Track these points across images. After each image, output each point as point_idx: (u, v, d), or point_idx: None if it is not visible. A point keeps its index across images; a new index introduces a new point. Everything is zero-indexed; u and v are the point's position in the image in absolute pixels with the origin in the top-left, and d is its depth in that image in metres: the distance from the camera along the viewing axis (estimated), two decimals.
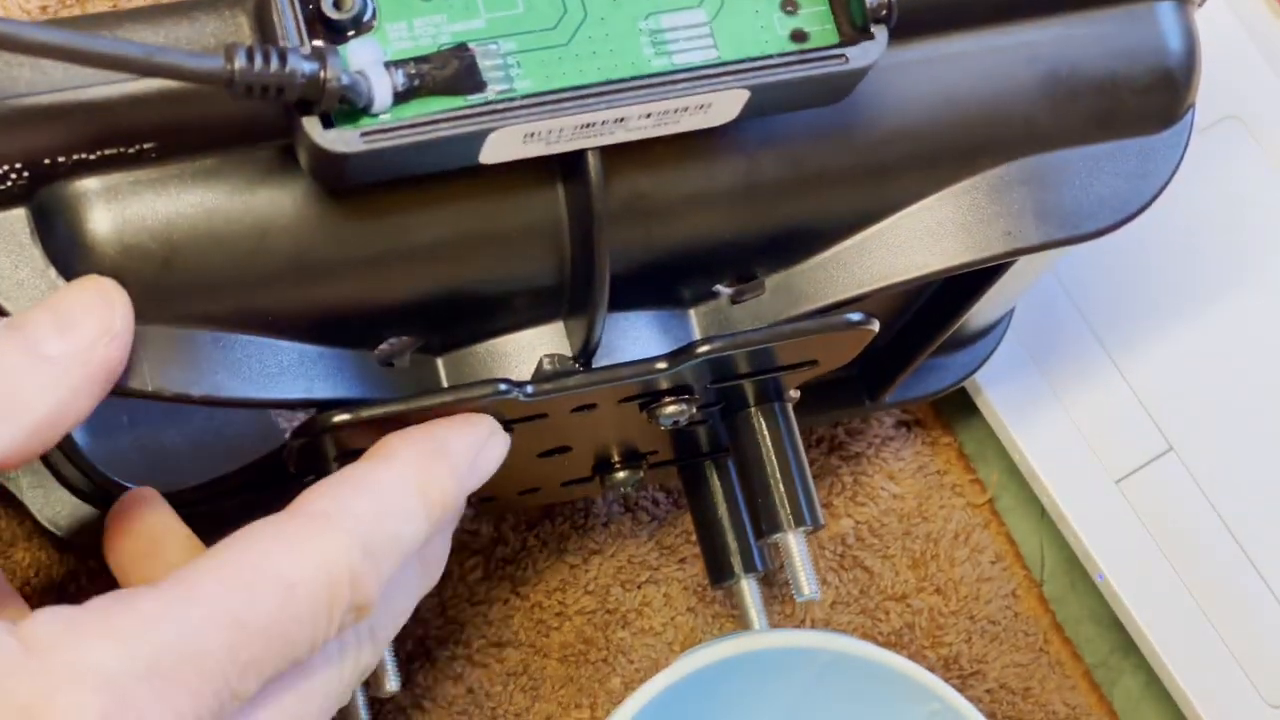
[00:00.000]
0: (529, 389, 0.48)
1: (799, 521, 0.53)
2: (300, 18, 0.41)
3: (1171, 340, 0.65)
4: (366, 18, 0.42)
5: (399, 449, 0.45)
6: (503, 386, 0.48)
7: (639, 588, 0.62)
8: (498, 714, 0.61)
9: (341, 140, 0.41)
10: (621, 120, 0.43)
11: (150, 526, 0.47)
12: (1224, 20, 0.66)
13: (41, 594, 0.59)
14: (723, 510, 0.58)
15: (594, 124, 0.43)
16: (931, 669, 0.60)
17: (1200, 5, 0.51)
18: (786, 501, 0.53)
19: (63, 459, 0.56)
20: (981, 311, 0.59)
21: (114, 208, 0.44)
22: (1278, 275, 0.65)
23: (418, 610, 0.60)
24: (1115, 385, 0.65)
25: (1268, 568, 0.63)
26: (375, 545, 0.43)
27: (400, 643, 0.60)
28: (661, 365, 0.49)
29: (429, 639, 0.61)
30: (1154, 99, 0.50)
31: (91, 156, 0.43)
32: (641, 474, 0.57)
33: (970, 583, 0.64)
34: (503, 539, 0.62)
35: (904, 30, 0.46)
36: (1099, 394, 0.65)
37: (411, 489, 0.45)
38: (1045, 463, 0.65)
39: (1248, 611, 0.63)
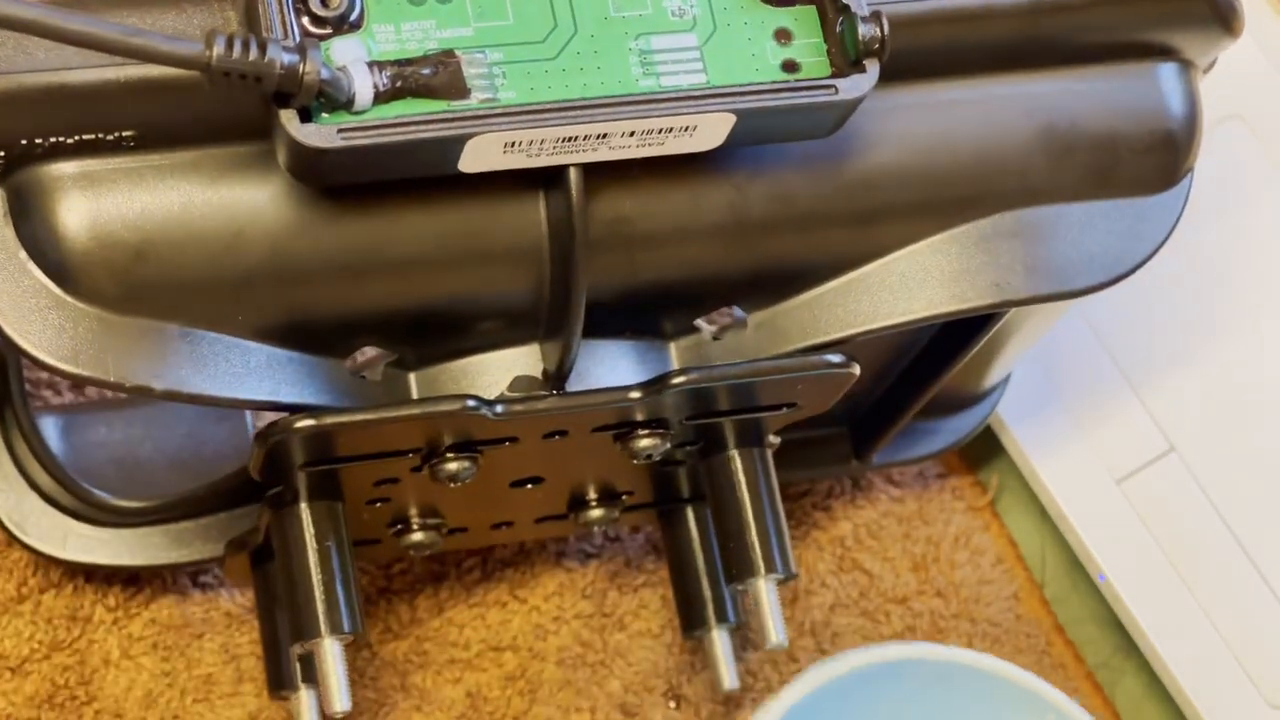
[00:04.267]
0: (498, 408, 0.48)
1: (770, 568, 0.52)
2: (287, 11, 0.41)
3: (1172, 340, 0.64)
4: (354, 17, 0.42)
5: None
6: (471, 403, 0.47)
7: (636, 591, 0.62)
8: (496, 718, 0.61)
9: (318, 135, 0.41)
10: (604, 136, 0.43)
11: None
12: None
13: (39, 594, 0.59)
14: (699, 559, 0.58)
15: (575, 138, 0.43)
16: None
17: (1206, 72, 0.50)
18: (759, 546, 0.52)
19: (37, 466, 0.56)
20: (975, 373, 0.58)
21: (89, 194, 0.44)
22: (1279, 274, 0.65)
23: (414, 612, 0.61)
24: (1116, 385, 0.64)
25: (1269, 568, 0.62)
26: None
27: (396, 645, 0.60)
28: (635, 394, 0.48)
29: (426, 641, 0.61)
30: (1152, 160, 0.49)
31: (69, 141, 0.43)
32: (617, 514, 0.56)
33: (971, 585, 0.64)
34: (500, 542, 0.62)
35: (901, 73, 0.46)
36: (1100, 394, 0.64)
37: None
38: (1046, 464, 0.64)
39: (1249, 612, 0.62)
